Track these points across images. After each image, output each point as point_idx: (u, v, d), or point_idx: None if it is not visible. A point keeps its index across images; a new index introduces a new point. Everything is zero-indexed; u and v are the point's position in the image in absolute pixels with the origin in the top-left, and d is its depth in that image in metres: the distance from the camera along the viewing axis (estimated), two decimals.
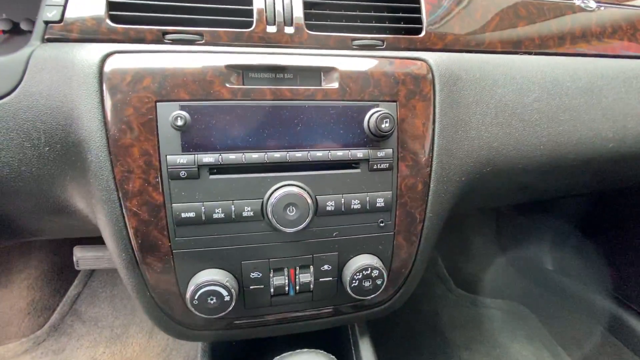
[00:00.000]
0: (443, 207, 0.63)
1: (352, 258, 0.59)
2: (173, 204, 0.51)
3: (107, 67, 0.50)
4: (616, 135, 0.71)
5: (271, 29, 0.58)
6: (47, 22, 0.53)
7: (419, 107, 0.58)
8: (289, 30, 0.59)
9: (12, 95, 0.50)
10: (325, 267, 0.59)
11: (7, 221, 0.61)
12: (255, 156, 0.52)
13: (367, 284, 0.58)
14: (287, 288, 0.58)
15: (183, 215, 0.52)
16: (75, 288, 1.54)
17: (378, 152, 0.56)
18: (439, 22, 0.65)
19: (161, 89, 0.50)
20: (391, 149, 0.57)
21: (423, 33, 0.64)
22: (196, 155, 0.51)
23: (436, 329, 1.52)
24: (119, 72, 0.50)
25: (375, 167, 0.57)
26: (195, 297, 0.52)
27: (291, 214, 0.53)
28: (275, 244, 0.56)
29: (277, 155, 0.53)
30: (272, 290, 0.58)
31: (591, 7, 0.77)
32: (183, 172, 0.51)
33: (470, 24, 0.68)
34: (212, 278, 0.52)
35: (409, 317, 1.57)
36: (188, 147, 0.51)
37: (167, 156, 0.50)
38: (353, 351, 0.71)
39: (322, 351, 0.52)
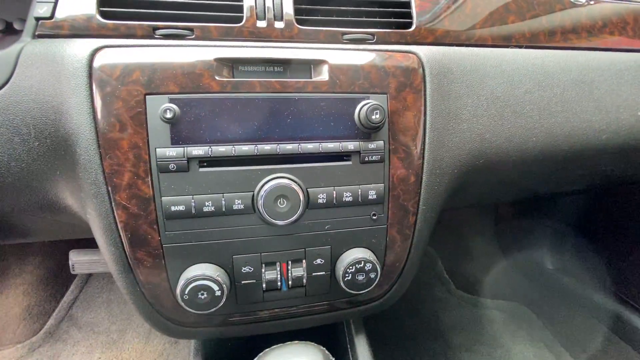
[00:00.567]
0: (436, 200, 0.62)
1: (345, 252, 0.59)
2: (163, 197, 0.51)
3: (97, 62, 0.50)
4: (609, 126, 0.70)
5: (261, 23, 0.58)
6: (38, 19, 0.54)
7: (410, 99, 0.58)
8: (279, 25, 0.59)
9: (2, 90, 0.51)
10: (318, 261, 0.58)
11: (1, 218, 0.61)
12: (245, 149, 0.52)
13: (360, 277, 0.57)
14: (279, 283, 0.58)
15: (173, 208, 0.51)
16: (71, 293, 1.53)
17: (369, 144, 0.56)
18: (429, 17, 0.66)
19: (150, 82, 0.50)
20: (382, 141, 0.57)
21: (413, 27, 0.64)
22: (186, 148, 0.51)
23: (437, 331, 1.51)
24: (108, 66, 0.50)
25: (366, 159, 0.57)
26: (186, 292, 0.51)
27: (282, 206, 0.52)
28: (267, 238, 0.56)
29: (267, 147, 0.53)
30: (264, 285, 0.57)
31: (581, 2, 0.77)
32: (172, 164, 0.50)
33: (460, 18, 0.68)
34: (202, 272, 0.52)
35: (409, 320, 1.55)
36: (177, 139, 0.51)
37: (157, 149, 0.50)
38: (349, 349, 0.70)
39: (312, 343, 0.51)
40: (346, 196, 0.56)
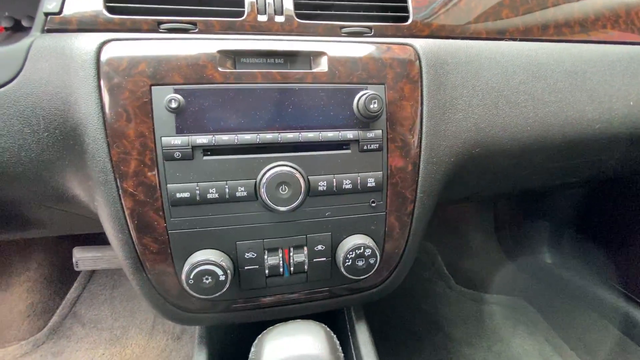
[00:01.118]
0: (433, 188, 0.64)
1: (345, 238, 0.60)
2: (168, 185, 0.53)
3: (104, 54, 0.52)
4: (602, 116, 0.72)
5: (262, 18, 0.60)
6: (47, 14, 0.56)
7: (407, 90, 0.60)
8: (279, 19, 0.61)
9: (13, 83, 0.52)
10: (319, 247, 0.60)
11: (7, 210, 0.63)
12: (247, 137, 0.54)
13: (360, 263, 0.59)
14: (281, 269, 0.59)
15: (178, 195, 0.53)
16: (74, 290, 1.54)
17: (368, 133, 0.58)
18: (425, 10, 0.68)
19: (156, 74, 0.52)
20: (380, 130, 0.59)
21: (410, 21, 0.66)
22: (190, 137, 0.52)
23: (437, 326, 1.52)
24: (115, 58, 0.52)
25: (365, 147, 0.58)
26: (191, 277, 0.53)
27: (283, 192, 0.54)
28: (269, 224, 0.57)
29: (268, 136, 0.55)
30: (266, 270, 0.59)
31: None
32: (177, 153, 0.52)
33: (455, 12, 0.70)
34: (207, 257, 0.53)
35: (410, 315, 1.56)
36: (182, 128, 0.52)
37: (162, 138, 0.52)
38: (350, 336, 0.71)
39: (314, 321, 0.53)
40: (346, 184, 0.58)
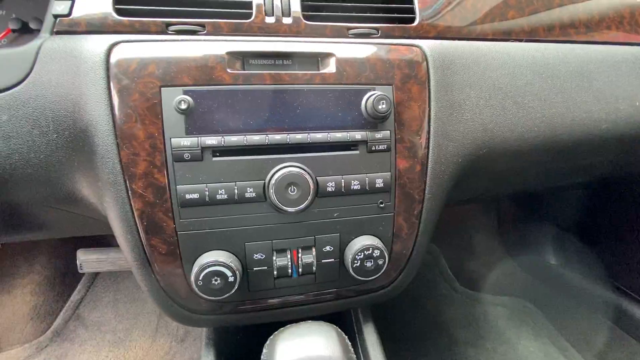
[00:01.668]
0: (441, 189, 0.64)
1: (353, 239, 0.60)
2: (177, 186, 0.53)
3: (113, 56, 0.52)
4: (609, 116, 0.72)
5: (270, 19, 0.61)
6: (56, 16, 0.56)
7: (415, 90, 0.60)
8: (287, 20, 0.61)
9: (23, 84, 0.53)
10: (327, 248, 0.60)
11: (16, 212, 0.63)
12: (256, 138, 0.54)
13: (368, 264, 0.59)
14: (290, 270, 0.59)
15: (187, 196, 0.53)
16: (78, 293, 1.54)
17: (376, 134, 0.58)
18: (431, 12, 0.68)
19: (165, 75, 0.52)
20: (388, 131, 0.59)
21: (416, 22, 0.67)
22: (199, 138, 0.52)
23: (442, 328, 1.51)
24: (125, 60, 0.52)
25: (373, 148, 0.58)
26: (200, 278, 0.53)
27: (292, 193, 0.54)
28: (278, 225, 0.57)
29: (277, 137, 0.55)
30: (275, 272, 0.59)
31: None
32: (187, 154, 0.52)
33: (461, 13, 0.70)
34: (216, 259, 0.53)
35: (415, 316, 1.56)
36: (191, 130, 0.52)
37: (172, 139, 0.52)
38: (357, 337, 0.71)
39: (325, 322, 0.52)
40: (354, 184, 0.58)
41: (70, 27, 0.56)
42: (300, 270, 0.60)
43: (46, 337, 1.39)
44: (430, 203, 0.63)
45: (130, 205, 0.53)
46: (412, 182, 0.61)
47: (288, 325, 0.50)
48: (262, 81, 0.55)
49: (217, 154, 0.54)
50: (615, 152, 0.83)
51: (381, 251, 0.59)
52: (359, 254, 0.58)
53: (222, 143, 0.53)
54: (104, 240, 1.55)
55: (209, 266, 0.53)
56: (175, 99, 0.51)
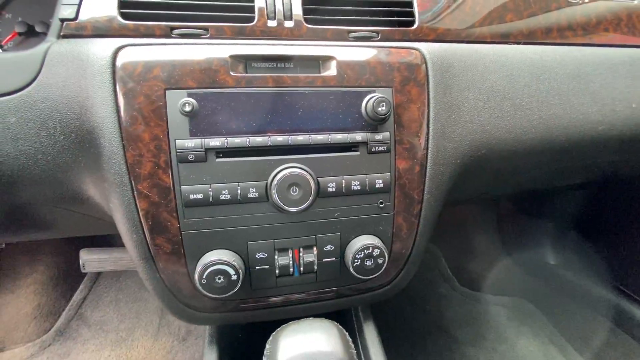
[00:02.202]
0: (440, 189, 0.65)
1: (353, 238, 0.61)
2: (182, 186, 0.54)
3: (119, 59, 0.53)
4: (605, 118, 0.73)
5: (272, 23, 0.62)
6: (62, 20, 0.57)
7: (414, 93, 0.61)
8: (289, 24, 0.62)
9: (30, 87, 0.54)
10: (328, 247, 0.61)
11: (23, 212, 0.64)
12: (259, 140, 0.55)
13: (369, 263, 0.60)
14: (291, 269, 0.60)
15: (191, 196, 0.54)
16: (80, 293, 1.55)
17: (376, 136, 0.59)
18: (430, 15, 0.69)
19: (170, 78, 0.53)
20: (388, 133, 0.60)
21: (416, 25, 0.68)
22: (203, 139, 0.54)
23: (442, 327, 1.52)
24: (131, 63, 0.53)
25: (373, 149, 0.59)
26: (204, 277, 0.54)
27: (294, 193, 0.55)
28: (280, 225, 0.58)
29: (279, 138, 0.56)
30: (277, 270, 0.60)
31: (576, 0, 0.81)
32: (191, 155, 0.53)
33: (460, 17, 0.71)
34: (219, 257, 0.54)
35: (415, 316, 1.57)
36: (196, 131, 0.54)
37: (176, 140, 0.53)
38: (357, 335, 0.72)
39: (326, 319, 0.53)
40: (354, 185, 0.59)
41: (76, 31, 0.57)
42: (301, 269, 0.61)
43: (49, 336, 1.41)
44: (429, 203, 0.65)
45: (136, 205, 0.54)
46: (412, 182, 0.62)
47: (290, 322, 0.51)
48: (265, 84, 0.56)
49: (221, 155, 0.55)
50: (612, 153, 0.84)
51: (381, 250, 0.60)
52: (359, 253, 0.59)
53: (226, 144, 0.54)
54: (106, 240, 1.56)
55: (212, 265, 0.54)
56: (179, 101, 0.52)
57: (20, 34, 0.73)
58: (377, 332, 0.70)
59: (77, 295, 1.54)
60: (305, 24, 0.63)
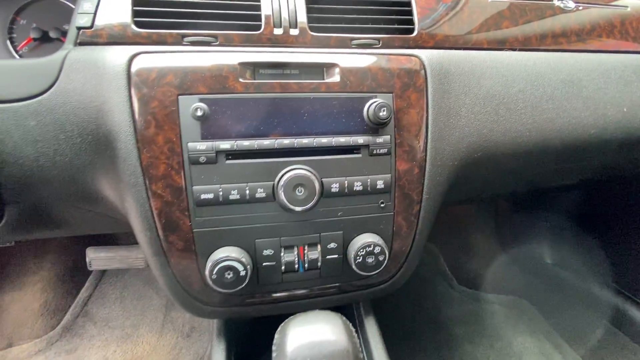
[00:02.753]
0: (438, 190, 0.68)
1: (355, 237, 0.64)
2: (193, 187, 0.57)
3: (134, 66, 0.56)
4: (597, 122, 0.76)
5: (278, 31, 0.65)
6: (79, 28, 0.60)
7: (413, 98, 0.64)
8: (294, 32, 0.65)
9: (49, 92, 0.57)
10: (332, 245, 0.64)
11: (39, 210, 0.67)
12: (266, 142, 0.58)
13: (370, 260, 0.63)
14: (296, 265, 0.63)
15: (202, 196, 0.57)
16: (86, 290, 1.58)
17: (377, 139, 0.62)
18: (429, 23, 0.72)
19: (182, 84, 0.56)
20: (389, 136, 0.63)
21: (415, 33, 0.71)
22: (214, 142, 0.57)
23: (440, 324, 1.55)
24: (145, 70, 0.56)
25: (374, 152, 0.62)
26: (214, 272, 0.57)
27: (300, 193, 0.58)
28: (286, 223, 0.61)
29: (286, 141, 0.59)
30: (283, 267, 0.63)
31: (570, 7, 0.84)
32: (202, 157, 0.56)
33: (458, 24, 0.74)
34: (228, 254, 0.57)
35: (413, 314, 1.60)
36: (207, 135, 0.57)
37: (188, 143, 0.56)
38: (359, 329, 0.75)
39: (331, 311, 0.56)
40: (357, 185, 0.62)
41: (92, 39, 0.60)
42: (306, 265, 0.64)
43: (56, 333, 1.44)
44: (428, 203, 0.68)
45: (150, 204, 0.57)
46: (411, 183, 0.65)
47: (297, 314, 0.54)
48: (272, 89, 0.59)
49: (230, 157, 0.58)
50: (604, 155, 0.87)
51: (382, 248, 0.63)
52: (361, 250, 0.62)
53: (235, 147, 0.57)
54: (112, 239, 1.59)
55: (222, 261, 0.57)
56: (191, 106, 0.55)
57: (34, 39, 0.76)
58: (377, 326, 0.73)
59: (83, 293, 1.57)
60: (309, 32, 0.66)
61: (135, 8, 0.61)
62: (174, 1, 0.63)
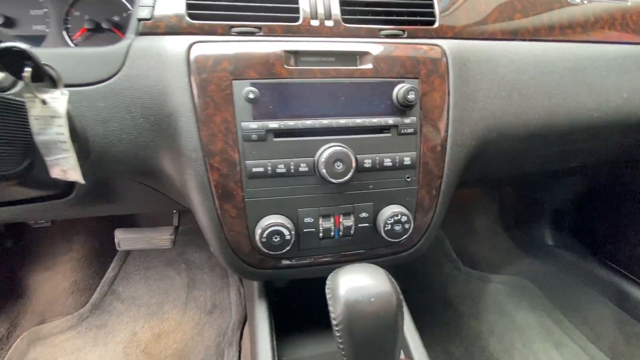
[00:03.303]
0: (457, 167, 0.76)
1: (384, 207, 0.72)
2: (246, 161, 0.65)
3: (192, 54, 0.63)
4: (600, 107, 0.84)
5: (314, 22, 0.72)
6: (140, 20, 0.67)
7: (437, 83, 0.72)
8: (329, 23, 0.72)
9: (116, 77, 0.64)
10: (363, 214, 0.72)
11: (102, 186, 0.75)
12: (308, 122, 0.66)
13: (397, 228, 0.71)
14: (332, 232, 0.71)
15: (253, 170, 0.65)
16: (112, 270, 1.67)
17: (405, 120, 0.70)
18: (449, 15, 0.79)
19: (235, 70, 0.63)
20: (415, 117, 0.71)
21: (436, 24, 0.78)
22: (264, 122, 0.64)
23: (447, 302, 1.65)
24: (203, 57, 0.63)
25: (402, 132, 0.70)
26: (264, 236, 0.65)
27: (338, 167, 0.66)
28: (324, 195, 0.69)
29: (325, 122, 0.67)
30: (321, 233, 0.71)
31: (576, 1, 0.91)
32: (254, 135, 0.64)
33: (474, 16, 0.81)
34: (276, 220, 0.66)
35: (422, 293, 1.69)
36: (257, 115, 0.64)
37: (242, 123, 0.64)
38: None
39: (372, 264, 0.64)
40: (386, 162, 0.70)
41: (151, 29, 0.67)
42: (341, 232, 0.72)
43: (86, 309, 1.52)
44: (448, 178, 0.76)
45: (208, 177, 0.65)
46: (434, 160, 0.73)
47: (344, 266, 0.62)
48: (313, 75, 0.66)
49: (277, 136, 0.66)
50: (606, 138, 0.95)
51: (408, 217, 0.71)
52: (390, 219, 0.70)
53: (281, 126, 0.65)
54: (136, 222, 1.67)
55: (271, 226, 0.65)
56: (244, 90, 0.63)
57: (88, 29, 0.83)
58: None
59: (109, 273, 1.66)
60: (343, 23, 0.73)
61: (188, 1, 0.68)
62: None
